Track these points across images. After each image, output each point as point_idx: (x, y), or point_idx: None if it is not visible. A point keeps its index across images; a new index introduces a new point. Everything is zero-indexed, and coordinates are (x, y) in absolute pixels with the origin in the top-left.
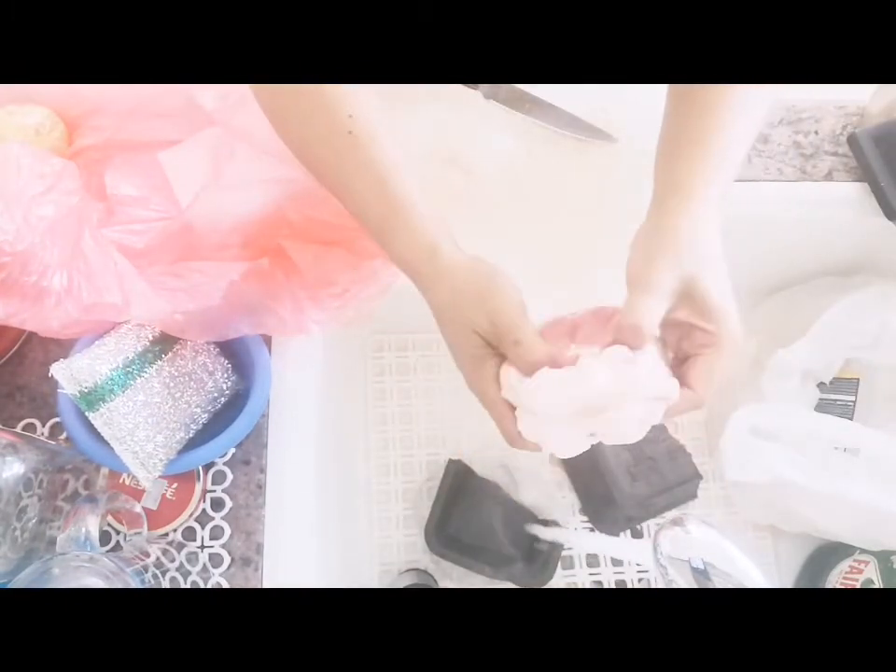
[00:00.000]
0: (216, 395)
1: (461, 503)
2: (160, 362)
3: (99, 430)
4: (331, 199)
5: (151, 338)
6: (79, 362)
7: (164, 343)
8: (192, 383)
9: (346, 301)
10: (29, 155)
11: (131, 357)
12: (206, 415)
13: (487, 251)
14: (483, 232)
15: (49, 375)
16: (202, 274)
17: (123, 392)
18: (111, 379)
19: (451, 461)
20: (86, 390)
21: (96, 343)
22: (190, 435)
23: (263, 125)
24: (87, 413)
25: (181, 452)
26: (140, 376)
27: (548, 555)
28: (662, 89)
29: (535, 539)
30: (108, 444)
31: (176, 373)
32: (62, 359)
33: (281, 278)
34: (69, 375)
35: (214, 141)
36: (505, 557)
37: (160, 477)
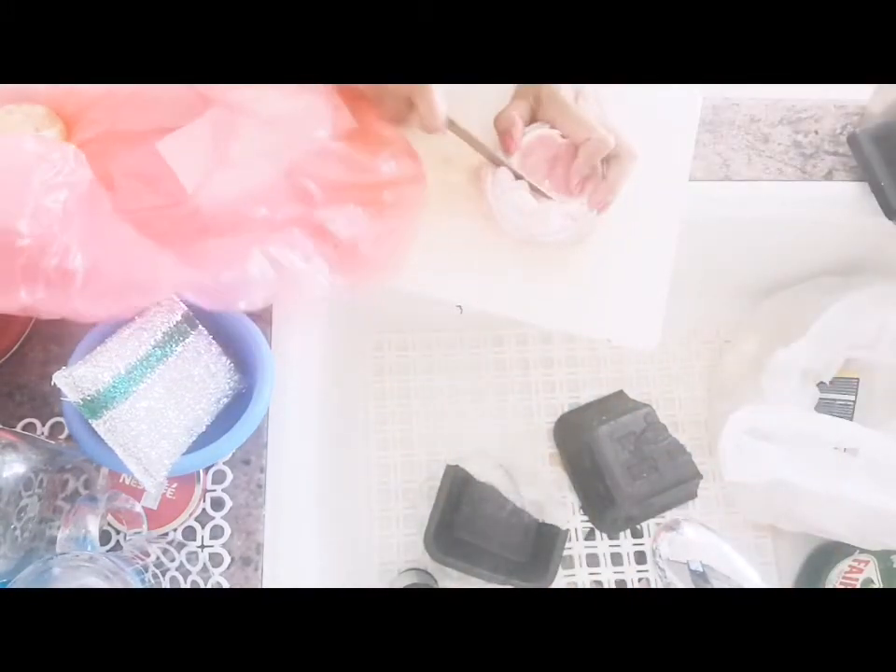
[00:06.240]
0: (219, 396)
1: (460, 508)
2: (162, 366)
3: (103, 437)
4: (341, 156)
5: (153, 342)
6: (81, 370)
7: (167, 347)
8: (195, 385)
9: (379, 254)
10: (37, 142)
11: (133, 363)
12: (209, 417)
13: (487, 247)
14: (484, 229)
15: (52, 384)
16: (224, 250)
17: (126, 398)
18: (114, 386)
19: (448, 466)
20: (88, 398)
21: (98, 348)
22: (194, 438)
23: (260, 98)
24: (90, 421)
25: (184, 454)
26: (143, 381)
27: (548, 558)
28: (660, 89)
29: (535, 541)
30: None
31: (179, 377)
32: (63, 367)
33: (310, 244)
34: (71, 383)
35: (213, 122)
36: (505, 562)
37: None
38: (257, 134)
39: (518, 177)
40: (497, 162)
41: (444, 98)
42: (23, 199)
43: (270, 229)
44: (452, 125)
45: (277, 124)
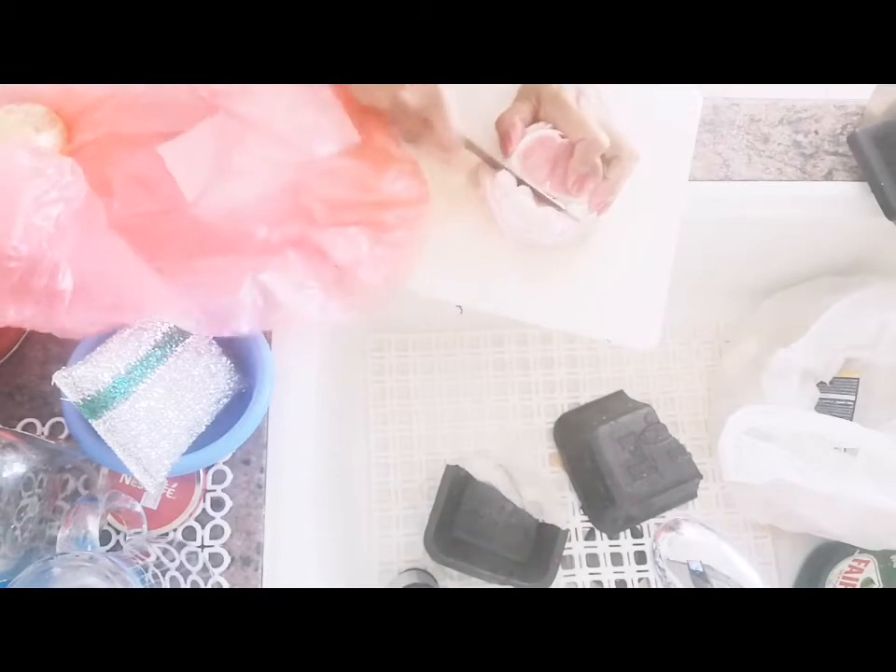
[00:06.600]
0: (219, 396)
1: (460, 508)
2: (162, 367)
3: (103, 437)
4: (345, 174)
5: (153, 342)
6: (81, 370)
7: (167, 347)
8: (195, 386)
9: (378, 278)
10: (31, 155)
11: (133, 363)
12: (209, 417)
13: (487, 247)
14: (484, 230)
15: (53, 384)
16: (219, 272)
17: (126, 399)
18: (114, 386)
19: (448, 466)
20: (89, 398)
21: (98, 349)
22: (194, 438)
23: (266, 110)
24: (90, 421)
25: (184, 454)
26: (143, 382)
27: (548, 558)
28: (660, 89)
29: (535, 541)
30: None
31: (179, 377)
32: (63, 367)
33: (306, 267)
34: (71, 383)
35: (217, 130)
36: (505, 562)
37: None
38: (261, 147)
39: (520, 183)
40: (498, 167)
41: (460, 117)
42: (14, 217)
43: (266, 251)
44: (468, 144)
45: (282, 137)
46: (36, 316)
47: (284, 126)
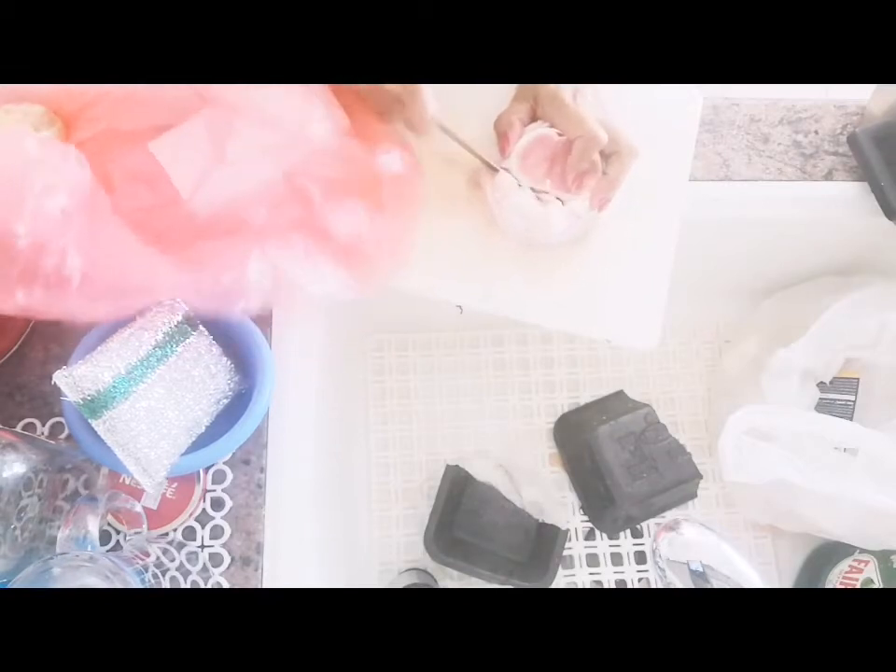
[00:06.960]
0: (219, 396)
1: (460, 508)
2: (162, 367)
3: (102, 437)
4: (337, 154)
5: (154, 342)
6: (81, 369)
7: (167, 347)
8: (195, 386)
9: (382, 250)
10: (37, 144)
11: (133, 363)
12: (209, 418)
13: (487, 248)
14: (485, 230)
15: (53, 383)
16: (224, 251)
17: (126, 399)
18: (114, 386)
19: (448, 466)
20: (89, 398)
21: (98, 348)
22: (193, 439)
23: (256, 98)
24: (90, 421)
25: (184, 454)
26: (143, 382)
27: (548, 558)
28: (660, 89)
29: (535, 541)
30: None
31: (179, 377)
32: (64, 367)
33: (310, 245)
34: (71, 383)
35: (207, 121)
36: (505, 562)
37: None
38: (253, 134)
39: (520, 183)
40: (489, 166)
41: (434, 100)
42: (22, 201)
43: (269, 232)
44: (443, 129)
45: (273, 124)
46: (45, 300)
47: (273, 112)
